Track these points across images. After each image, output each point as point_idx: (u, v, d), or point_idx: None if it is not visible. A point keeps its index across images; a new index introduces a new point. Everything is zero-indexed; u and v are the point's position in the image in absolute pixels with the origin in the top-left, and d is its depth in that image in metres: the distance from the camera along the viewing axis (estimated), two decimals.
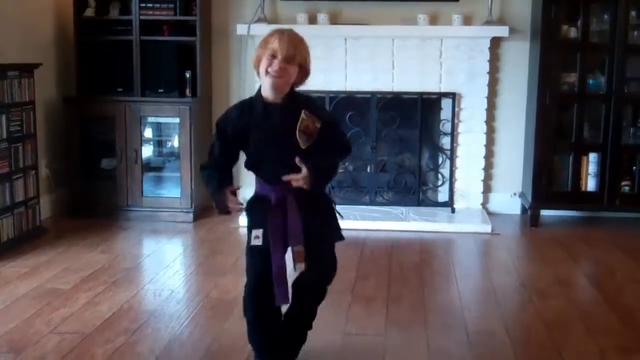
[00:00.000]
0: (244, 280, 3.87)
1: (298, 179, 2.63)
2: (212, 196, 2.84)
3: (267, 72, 2.63)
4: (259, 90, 2.72)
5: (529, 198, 5.18)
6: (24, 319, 3.31)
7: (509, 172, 5.52)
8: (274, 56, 2.64)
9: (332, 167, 2.82)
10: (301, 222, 2.71)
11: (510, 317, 3.45)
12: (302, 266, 2.70)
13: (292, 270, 2.73)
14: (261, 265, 2.75)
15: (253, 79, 5.47)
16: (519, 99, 5.42)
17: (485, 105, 5.33)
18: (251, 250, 2.79)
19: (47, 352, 2.96)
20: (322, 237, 2.81)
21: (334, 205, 2.91)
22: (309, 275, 2.76)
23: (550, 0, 4.93)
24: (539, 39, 5.02)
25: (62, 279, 3.87)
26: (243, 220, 5.10)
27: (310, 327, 2.95)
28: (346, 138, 2.95)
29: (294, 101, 2.70)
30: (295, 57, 2.67)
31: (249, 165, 2.85)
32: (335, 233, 2.91)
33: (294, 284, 2.82)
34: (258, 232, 2.75)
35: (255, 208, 2.82)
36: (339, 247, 4.03)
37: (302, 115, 2.64)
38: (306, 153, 2.64)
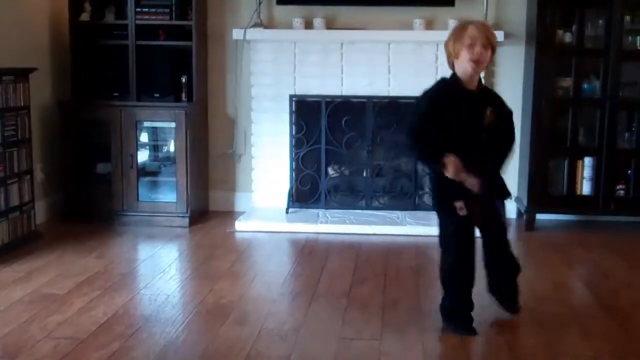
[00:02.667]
0: (239, 285, 3.92)
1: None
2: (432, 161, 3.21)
3: (469, 60, 3.07)
4: (454, 76, 3.18)
5: (525, 202, 5.18)
6: (18, 323, 3.30)
7: (504, 176, 5.51)
8: (472, 44, 3.07)
9: (500, 163, 3.35)
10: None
11: (505, 320, 3.44)
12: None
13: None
14: (465, 238, 3.23)
15: (249, 83, 5.49)
16: (514, 103, 5.35)
17: None
18: (457, 221, 3.19)
19: (41, 357, 2.95)
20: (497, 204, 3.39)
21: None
22: (494, 233, 3.35)
23: (545, 6, 4.95)
24: (534, 43, 5.03)
25: (57, 284, 3.86)
26: (239, 225, 5.10)
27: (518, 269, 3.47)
28: (514, 131, 3.38)
29: (486, 91, 3.28)
30: (490, 41, 3.10)
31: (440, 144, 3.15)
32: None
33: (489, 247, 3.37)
34: (460, 203, 3.15)
35: (449, 184, 3.13)
36: (335, 251, 4.04)
37: (488, 111, 3.13)
38: (487, 140, 3.15)
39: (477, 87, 3.19)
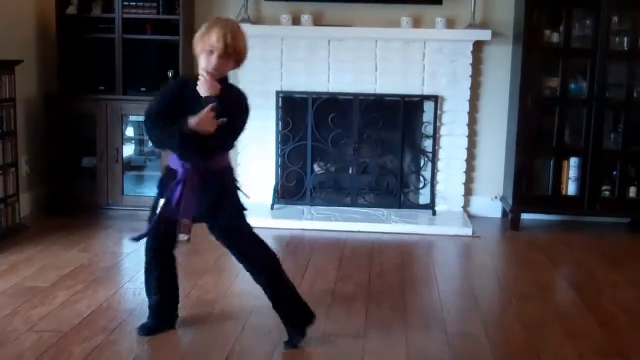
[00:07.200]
0: (224, 280, 3.90)
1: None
2: (176, 135, 2.84)
3: (203, 68, 2.86)
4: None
5: (510, 201, 5.20)
6: (1, 316, 3.28)
7: (490, 175, 5.54)
8: (211, 51, 2.83)
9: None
10: (197, 200, 2.96)
11: (490, 319, 3.46)
12: (185, 237, 3.04)
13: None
14: (163, 231, 3.05)
15: (235, 79, 5.46)
16: (500, 102, 5.45)
17: (467, 109, 5.35)
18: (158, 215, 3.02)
19: (24, 350, 2.93)
20: (229, 213, 3.11)
21: (237, 183, 3.14)
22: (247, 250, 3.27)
23: (532, 5, 4.96)
24: (521, 43, 5.04)
25: (41, 277, 3.84)
26: None
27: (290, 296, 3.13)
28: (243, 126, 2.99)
29: (224, 92, 2.86)
30: (231, 51, 2.82)
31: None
32: (240, 207, 3.15)
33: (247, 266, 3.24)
34: (161, 202, 3.03)
35: (165, 179, 3.13)
36: (320, 248, 4.03)
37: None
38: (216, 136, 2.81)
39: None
